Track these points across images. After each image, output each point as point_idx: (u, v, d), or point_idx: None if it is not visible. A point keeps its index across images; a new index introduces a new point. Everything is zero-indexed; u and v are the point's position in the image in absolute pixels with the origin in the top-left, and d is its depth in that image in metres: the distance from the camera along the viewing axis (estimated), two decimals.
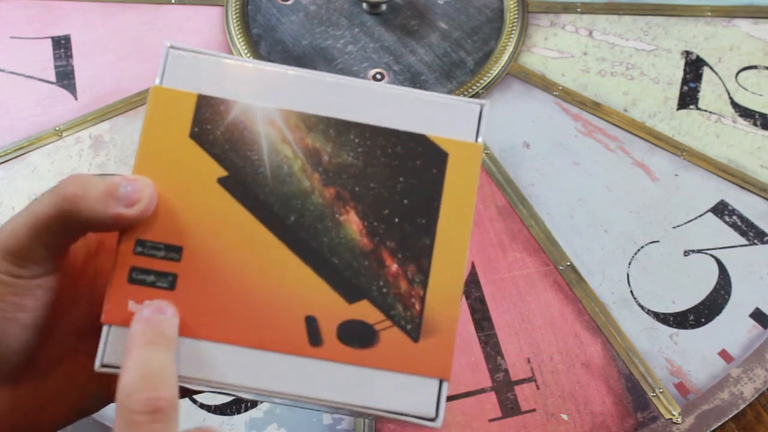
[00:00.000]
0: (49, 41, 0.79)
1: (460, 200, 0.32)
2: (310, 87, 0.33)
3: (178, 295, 0.31)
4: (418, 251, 0.31)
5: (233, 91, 0.32)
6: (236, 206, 0.31)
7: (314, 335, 0.31)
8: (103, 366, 0.31)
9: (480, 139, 0.33)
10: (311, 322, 0.31)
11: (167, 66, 0.33)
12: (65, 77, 0.77)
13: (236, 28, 0.79)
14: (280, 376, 0.30)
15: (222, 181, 0.31)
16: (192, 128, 0.32)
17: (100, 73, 0.78)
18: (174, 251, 0.31)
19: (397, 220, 0.32)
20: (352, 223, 0.32)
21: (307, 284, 0.31)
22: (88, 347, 0.35)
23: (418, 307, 0.31)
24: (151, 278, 0.31)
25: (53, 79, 0.77)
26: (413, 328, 0.31)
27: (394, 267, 0.31)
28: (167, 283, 0.31)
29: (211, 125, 0.32)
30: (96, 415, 0.63)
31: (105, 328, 0.31)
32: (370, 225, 0.32)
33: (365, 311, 0.31)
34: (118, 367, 0.30)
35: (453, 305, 0.31)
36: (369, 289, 0.31)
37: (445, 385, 0.31)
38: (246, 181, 0.32)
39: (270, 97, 0.32)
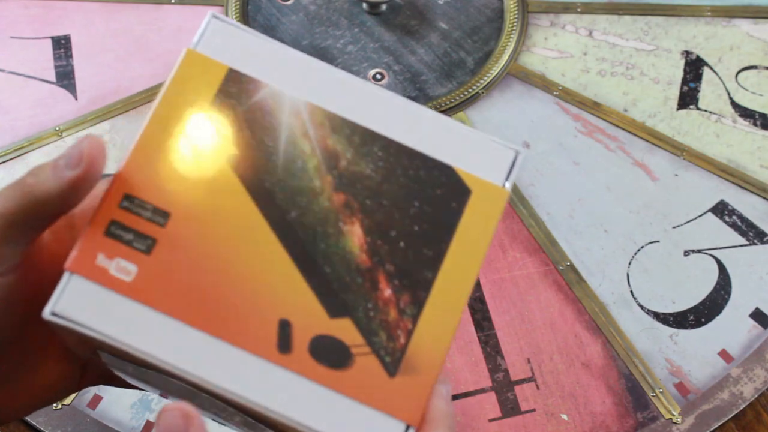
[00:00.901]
0: (49, 41, 0.79)
1: (473, 242, 0.30)
2: (345, 88, 0.31)
3: (152, 261, 0.29)
4: (416, 282, 0.29)
5: (266, 73, 0.31)
6: (239, 187, 0.30)
7: (284, 341, 0.28)
8: (53, 315, 0.28)
9: (508, 185, 0.31)
10: (284, 327, 0.28)
11: (206, 32, 0.31)
12: (65, 77, 0.77)
13: None
14: (234, 374, 0.28)
15: (230, 159, 0.30)
16: (215, 98, 0.30)
17: (100, 73, 0.78)
18: (161, 215, 0.29)
19: (402, 244, 0.29)
20: (355, 235, 0.29)
21: (290, 286, 0.29)
22: (60, 342, 0.34)
23: (402, 340, 0.29)
24: (129, 236, 0.29)
25: (53, 79, 0.77)
26: (392, 361, 0.28)
27: (388, 292, 0.29)
28: (145, 246, 0.29)
29: (234, 100, 0.30)
30: (95, 415, 0.63)
31: (66, 275, 0.29)
32: (372, 242, 0.29)
33: (345, 330, 0.28)
34: (69, 321, 0.28)
35: (441, 348, 0.29)
36: (355, 307, 0.29)
37: None
38: (255, 164, 0.30)
39: (302, 88, 0.31)
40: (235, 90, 0.31)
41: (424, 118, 0.31)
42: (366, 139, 0.30)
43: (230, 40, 0.31)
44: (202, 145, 0.30)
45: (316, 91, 0.31)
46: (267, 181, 0.30)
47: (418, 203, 0.30)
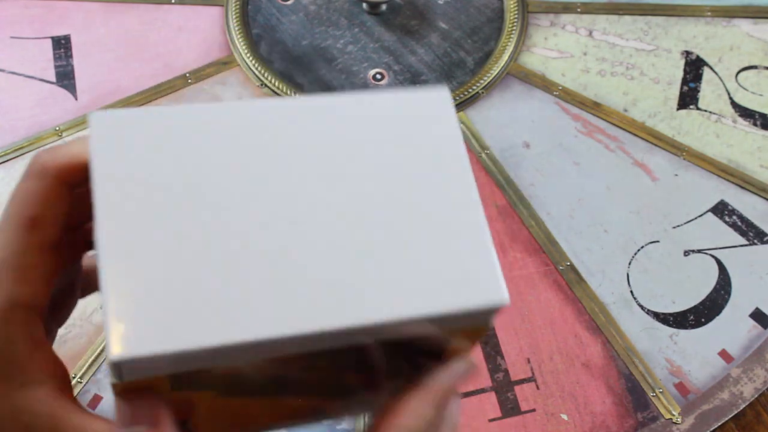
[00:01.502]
0: (49, 41, 0.79)
1: None
2: None
3: None
4: None
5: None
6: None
7: None
8: None
9: None
10: None
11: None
12: (65, 77, 0.77)
13: (236, 28, 0.80)
14: None
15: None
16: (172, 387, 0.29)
17: (100, 73, 0.78)
18: None
19: None
20: None
21: None
22: None
23: None
24: None
25: (53, 79, 0.77)
26: None
27: None
28: None
29: (194, 382, 0.29)
30: (96, 413, 0.63)
31: None
32: None
33: None
34: None
35: None
36: None
37: None
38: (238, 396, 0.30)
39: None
40: (185, 381, 0.29)
41: None
42: None
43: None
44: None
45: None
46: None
47: None
